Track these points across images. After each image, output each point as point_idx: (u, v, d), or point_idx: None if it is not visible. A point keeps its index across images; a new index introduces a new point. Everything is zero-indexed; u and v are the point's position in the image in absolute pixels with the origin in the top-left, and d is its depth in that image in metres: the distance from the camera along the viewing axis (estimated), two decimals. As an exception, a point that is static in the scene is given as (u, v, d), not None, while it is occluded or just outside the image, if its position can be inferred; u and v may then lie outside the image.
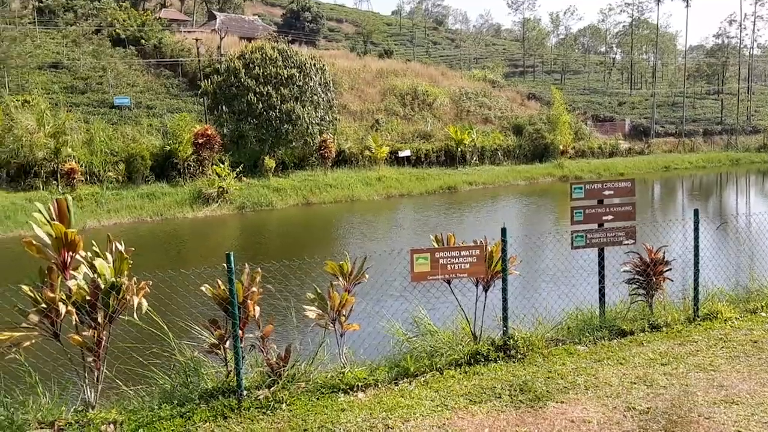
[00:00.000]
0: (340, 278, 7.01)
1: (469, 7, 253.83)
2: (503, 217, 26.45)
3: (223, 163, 32.08)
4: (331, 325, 6.82)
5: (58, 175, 29.69)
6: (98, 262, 6.03)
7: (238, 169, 32.45)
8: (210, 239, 24.75)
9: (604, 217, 7.97)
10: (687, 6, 62.69)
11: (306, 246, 21.71)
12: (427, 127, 47.67)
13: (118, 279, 6.02)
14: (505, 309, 7.19)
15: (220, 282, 6.32)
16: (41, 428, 5.71)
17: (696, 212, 8.11)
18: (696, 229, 8.09)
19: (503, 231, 7.06)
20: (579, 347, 7.33)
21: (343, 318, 6.86)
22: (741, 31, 72.75)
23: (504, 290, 7.16)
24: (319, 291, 6.89)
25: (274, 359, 6.55)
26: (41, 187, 29.08)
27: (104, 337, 6.04)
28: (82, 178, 30.17)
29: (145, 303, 6.25)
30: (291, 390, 6.32)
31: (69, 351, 5.95)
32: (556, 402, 5.86)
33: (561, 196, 35.84)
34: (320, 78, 38.57)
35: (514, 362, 6.91)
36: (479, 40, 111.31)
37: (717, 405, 5.62)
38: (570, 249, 8.04)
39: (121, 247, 6.29)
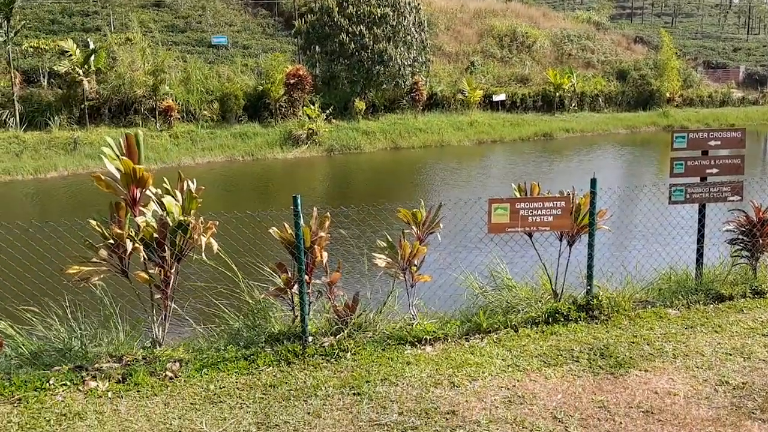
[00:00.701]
0: (414, 226, 6.68)
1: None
2: (597, 167, 25.17)
3: (314, 105, 32.08)
4: (402, 275, 6.55)
5: (156, 113, 30.60)
6: (167, 200, 5.96)
7: (328, 111, 32.39)
8: (296, 180, 24.97)
9: (708, 170, 7.20)
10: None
11: (390, 190, 21.50)
12: (525, 71, 45.81)
13: (186, 218, 5.94)
14: (590, 266, 6.68)
15: (287, 225, 6.14)
16: (111, 362, 5.80)
17: (817, 168, 7.19)
18: (816, 187, 7.19)
19: (593, 182, 6.48)
20: (670, 311, 6.74)
21: (414, 268, 6.56)
22: None
23: (590, 246, 6.63)
24: (390, 239, 6.61)
25: (342, 307, 6.38)
26: (140, 123, 30.05)
27: (172, 276, 6.01)
28: (179, 116, 30.95)
29: (215, 243, 6.17)
30: (357, 339, 6.15)
31: (137, 289, 5.97)
32: (640, 370, 5.39)
33: (663, 146, 33.81)
34: (414, 17, 37.55)
35: (596, 324, 6.44)
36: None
37: (827, 387, 4.99)
38: (667, 204, 7.34)
39: (193, 186, 6.19)
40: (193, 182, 6.19)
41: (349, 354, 5.91)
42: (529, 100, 41.12)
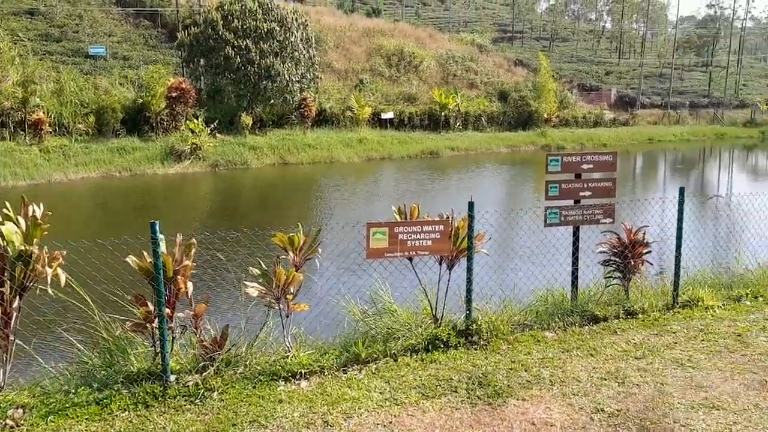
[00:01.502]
0: (290, 252, 6.32)
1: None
2: (480, 186, 25.83)
3: (197, 119, 31.01)
4: (277, 304, 6.16)
5: (26, 126, 28.48)
6: (6, 228, 5.29)
7: (212, 125, 31.39)
8: (176, 198, 23.89)
9: (582, 193, 7.32)
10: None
11: (276, 208, 20.96)
12: (412, 90, 46.64)
13: (28, 247, 5.29)
14: (469, 291, 6.57)
15: (146, 254, 5.61)
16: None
17: (681, 191, 7.48)
18: (680, 210, 7.47)
19: (470, 205, 6.38)
20: (547, 334, 6.74)
21: (290, 297, 6.19)
22: (735, 2, 71.74)
23: (469, 270, 6.52)
24: (263, 266, 6.21)
25: (209, 341, 5.90)
26: (8, 137, 27.88)
27: (13, 313, 5.34)
28: (50, 130, 28.95)
29: (63, 274, 5.53)
30: (226, 376, 5.69)
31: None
32: (518, 399, 5.28)
33: (540, 166, 35.24)
34: (302, 34, 37.27)
35: (476, 349, 6.31)
36: (469, 3, 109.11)
37: (695, 409, 5.06)
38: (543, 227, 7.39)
39: (38, 211, 5.54)
40: (38, 207, 5.55)
41: (216, 393, 5.45)
42: (416, 118, 41.80)
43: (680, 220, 7.47)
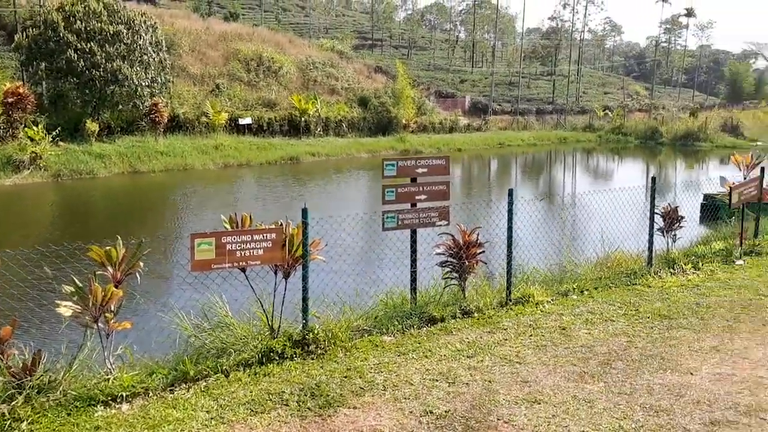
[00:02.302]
0: (109, 267, 5.87)
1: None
2: (336, 192, 25.89)
3: (37, 126, 28.72)
4: (95, 323, 5.70)
5: None
6: None
7: (54, 133, 29.18)
8: (11, 212, 21.98)
9: (417, 197, 7.42)
10: (525, -11, 65.25)
11: (120, 220, 19.82)
12: (271, 95, 46.04)
13: None
14: (305, 299, 6.43)
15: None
16: None
17: (510, 192, 7.78)
18: (510, 210, 7.77)
19: (304, 212, 6.25)
20: (386, 338, 6.75)
21: (109, 315, 5.74)
22: (573, 15, 77.18)
23: (304, 278, 6.39)
24: (78, 282, 5.72)
25: (18, 367, 5.35)
26: None
27: None
28: None
29: None
30: (36, 404, 5.18)
31: None
32: (349, 408, 5.19)
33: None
34: (151, 36, 35.61)
35: (312, 359, 6.18)
36: (330, 10, 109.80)
37: (518, 405, 5.21)
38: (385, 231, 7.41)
39: None
40: None
41: (25, 423, 4.94)
42: (275, 124, 41.30)
43: (510, 220, 7.77)
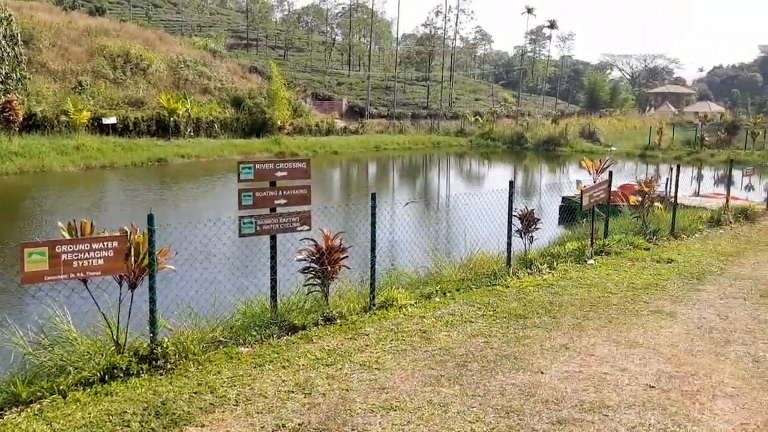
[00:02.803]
0: None
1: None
2: (201, 196, 25.07)
3: None
4: None
5: None
6: None
7: None
8: None
9: (277, 201, 7.19)
10: (399, -5, 66.46)
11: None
12: (139, 94, 43.94)
13: None
14: (152, 311, 6.05)
15: None
16: None
17: (373, 196, 7.74)
18: (373, 214, 7.73)
19: (149, 218, 5.86)
20: (242, 349, 6.47)
21: None
22: (446, 23, 79.44)
23: (151, 289, 6.00)
24: None
25: None
26: None
27: None
28: None
29: None
30: None
31: None
32: (196, 426, 4.89)
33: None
34: (5, 29, 33.00)
35: (160, 375, 5.81)
36: (203, 8, 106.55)
37: (374, 413, 5.13)
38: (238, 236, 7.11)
39: None
40: None
41: None
42: (143, 124, 39.45)
43: (373, 224, 7.73)
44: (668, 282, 9.57)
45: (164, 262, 6.20)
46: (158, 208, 20.72)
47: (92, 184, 27.89)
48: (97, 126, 36.77)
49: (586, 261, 10.75)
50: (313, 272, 7.56)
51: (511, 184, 9.64)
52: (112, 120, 37.78)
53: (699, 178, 34.05)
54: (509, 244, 9.77)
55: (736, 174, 28.99)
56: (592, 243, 11.24)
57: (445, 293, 8.66)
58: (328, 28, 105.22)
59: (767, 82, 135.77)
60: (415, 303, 8.20)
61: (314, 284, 7.64)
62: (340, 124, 54.03)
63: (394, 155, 46.91)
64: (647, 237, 12.55)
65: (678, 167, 14.39)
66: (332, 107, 61.65)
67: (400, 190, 30.89)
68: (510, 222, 9.71)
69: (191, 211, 20.08)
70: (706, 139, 46.57)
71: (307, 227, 7.40)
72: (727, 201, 15.96)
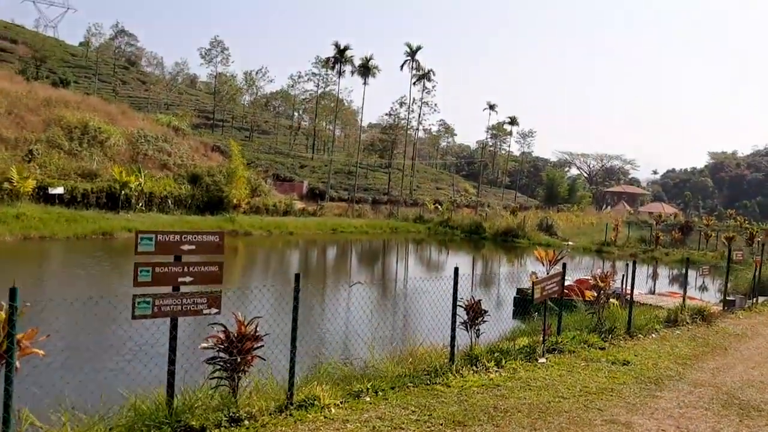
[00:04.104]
0: None
1: (167, 53, 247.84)
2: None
3: None
4: None
5: None
6: None
7: None
8: None
9: (181, 279, 6.23)
10: (365, 84, 67.63)
11: None
12: (93, 166, 42.94)
13: None
14: (7, 407, 4.94)
15: None
16: None
17: (297, 277, 6.85)
18: (296, 298, 6.81)
19: (12, 293, 4.86)
20: (122, 456, 5.36)
21: None
22: (409, 114, 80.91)
23: (7, 380, 4.92)
24: None
25: None
26: None
27: None
28: None
29: None
30: None
31: None
32: None
33: (229, 251, 34.24)
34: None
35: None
36: (172, 87, 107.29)
37: None
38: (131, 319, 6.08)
39: None
40: None
41: None
42: (92, 195, 38.24)
43: (295, 309, 6.80)
44: (624, 387, 8.74)
45: (29, 346, 5.15)
46: (76, 283, 19.47)
47: (20, 255, 26.35)
48: (42, 195, 35.46)
49: (537, 359, 9.88)
50: (222, 363, 6.53)
51: (456, 270, 8.85)
52: (59, 190, 36.54)
53: (654, 276, 33.92)
54: (453, 338, 8.88)
55: (691, 274, 28.94)
56: (544, 340, 10.41)
57: (377, 391, 7.65)
58: (296, 113, 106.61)
59: (717, 187, 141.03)
60: (342, 403, 7.17)
61: (222, 377, 6.59)
62: (299, 205, 53.47)
63: (351, 238, 46.16)
64: (602, 335, 11.79)
65: (634, 263, 13.86)
66: (293, 189, 61.27)
67: (347, 272, 29.96)
68: (454, 313, 8.86)
69: (119, 288, 18.79)
70: (661, 238, 47.06)
71: (215, 310, 6.41)
72: (684, 300, 15.44)
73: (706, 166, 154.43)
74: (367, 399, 7.40)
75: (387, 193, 72.26)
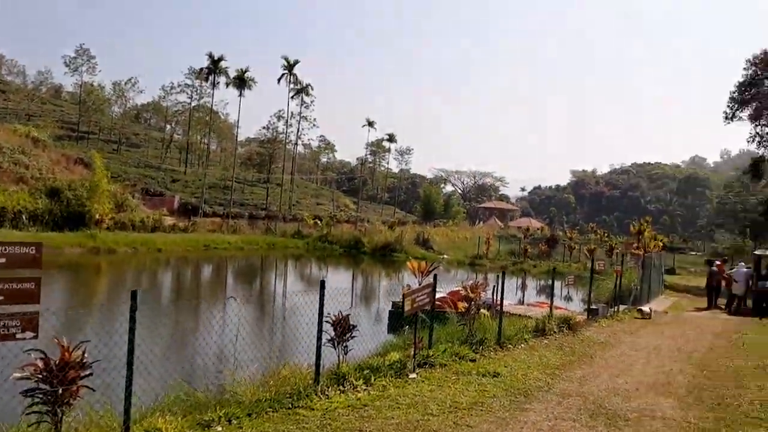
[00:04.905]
0: None
1: (30, 63, 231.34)
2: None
3: None
4: None
5: None
6: None
7: None
8: None
9: (-14, 298, 5.26)
10: (241, 96, 65.85)
11: None
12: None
13: None
14: None
15: None
16: None
17: (134, 295, 6.02)
18: (132, 319, 5.98)
19: None
20: None
21: None
22: (287, 128, 79.90)
23: None
24: None
25: None
26: None
27: None
28: None
29: None
30: None
31: None
32: None
33: (88, 269, 31.94)
34: None
35: None
36: (34, 97, 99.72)
37: None
38: None
39: None
40: None
41: None
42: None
43: (131, 331, 5.98)
44: (494, 400, 8.51)
45: None
46: None
47: None
48: None
49: (407, 375, 9.50)
50: (41, 395, 5.59)
51: (323, 284, 8.30)
52: None
53: (524, 287, 35.03)
54: (318, 356, 8.28)
55: (556, 284, 30.06)
56: (414, 354, 10.06)
57: (231, 420, 6.91)
58: (168, 126, 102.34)
59: (579, 203, 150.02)
60: (188, 434, 6.40)
61: (42, 411, 5.64)
62: (169, 220, 51.02)
63: (226, 255, 44.44)
64: (473, 347, 11.64)
65: (503, 274, 13.93)
66: (163, 204, 58.43)
67: (217, 290, 28.67)
68: (320, 329, 8.28)
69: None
70: (529, 250, 48.95)
71: (32, 334, 5.46)
72: (551, 310, 15.73)
73: (569, 183, 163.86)
74: (218, 429, 6.66)
75: (265, 208, 70.68)
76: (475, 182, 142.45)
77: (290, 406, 7.58)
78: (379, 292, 30.86)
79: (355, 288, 33.10)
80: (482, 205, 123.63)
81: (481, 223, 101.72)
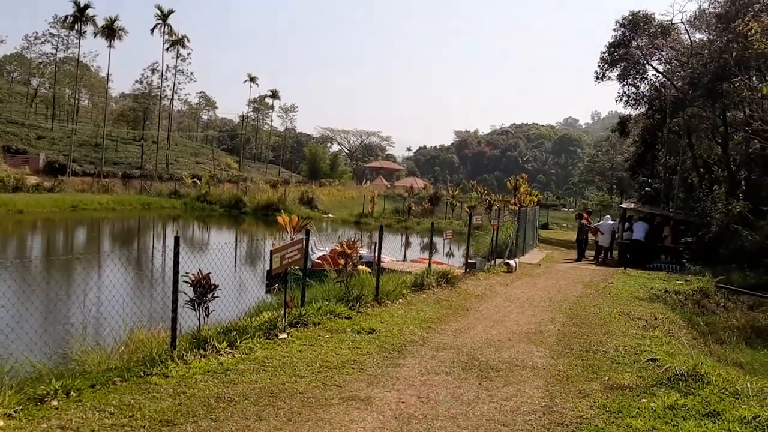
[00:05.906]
0: None
1: None
2: None
3: None
4: None
5: None
6: None
7: None
8: None
9: None
10: (110, 47, 61.42)
11: None
12: None
13: None
14: None
15: None
16: None
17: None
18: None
19: None
20: None
21: None
22: (162, 82, 75.80)
23: None
24: None
25: None
26: None
27: None
28: None
29: None
30: None
31: None
32: None
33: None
34: None
35: None
36: None
37: None
38: None
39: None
40: None
41: None
42: None
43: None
44: (367, 357, 8.20)
45: None
46: None
47: None
48: None
49: (277, 335, 8.98)
50: None
51: (177, 240, 7.56)
52: None
53: (407, 244, 35.31)
54: (174, 319, 7.56)
55: (439, 240, 30.44)
56: (285, 313, 9.55)
57: (69, 392, 6.14)
58: (33, 79, 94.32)
59: (462, 163, 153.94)
60: (17, 411, 5.59)
61: None
62: (33, 180, 47.30)
63: (95, 216, 41.72)
64: (350, 304, 11.29)
65: (381, 229, 13.65)
66: (26, 162, 54.07)
67: (82, 252, 26.83)
68: (175, 290, 7.55)
69: None
70: (413, 209, 49.45)
71: None
72: (430, 264, 15.69)
73: (452, 143, 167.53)
74: (54, 403, 5.88)
75: (140, 167, 67.07)
76: (362, 142, 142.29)
77: (142, 374, 6.88)
78: (263, 252, 30.00)
79: (238, 248, 32.07)
80: (369, 165, 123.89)
81: (368, 182, 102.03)
